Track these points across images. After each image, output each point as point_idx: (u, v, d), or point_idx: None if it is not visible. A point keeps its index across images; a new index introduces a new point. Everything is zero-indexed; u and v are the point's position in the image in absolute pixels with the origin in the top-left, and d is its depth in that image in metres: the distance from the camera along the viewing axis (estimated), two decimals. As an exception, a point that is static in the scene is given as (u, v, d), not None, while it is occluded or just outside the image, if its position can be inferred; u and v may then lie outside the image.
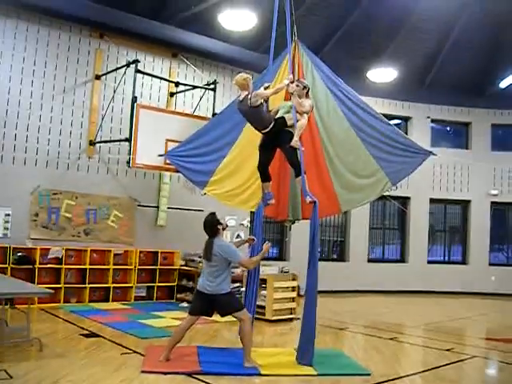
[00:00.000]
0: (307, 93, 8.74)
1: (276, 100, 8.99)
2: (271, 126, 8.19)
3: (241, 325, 7.63)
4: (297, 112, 8.40)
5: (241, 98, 8.16)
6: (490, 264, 19.96)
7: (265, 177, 8.61)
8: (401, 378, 7.59)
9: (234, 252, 7.67)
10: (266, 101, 8.22)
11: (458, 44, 17.24)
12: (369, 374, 7.57)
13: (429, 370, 8.18)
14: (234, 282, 12.30)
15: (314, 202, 8.20)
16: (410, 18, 16.35)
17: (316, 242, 8.17)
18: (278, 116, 8.50)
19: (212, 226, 7.70)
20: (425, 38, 17.27)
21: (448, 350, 9.67)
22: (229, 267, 7.67)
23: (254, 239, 8.48)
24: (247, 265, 8.00)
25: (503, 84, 18.94)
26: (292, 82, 8.44)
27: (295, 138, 8.22)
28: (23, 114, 12.60)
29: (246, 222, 15.93)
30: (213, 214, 7.81)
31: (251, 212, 13.34)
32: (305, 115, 8.56)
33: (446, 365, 8.51)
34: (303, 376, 7.39)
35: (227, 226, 8.03)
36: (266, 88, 8.36)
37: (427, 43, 17.56)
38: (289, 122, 8.35)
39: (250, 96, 7.99)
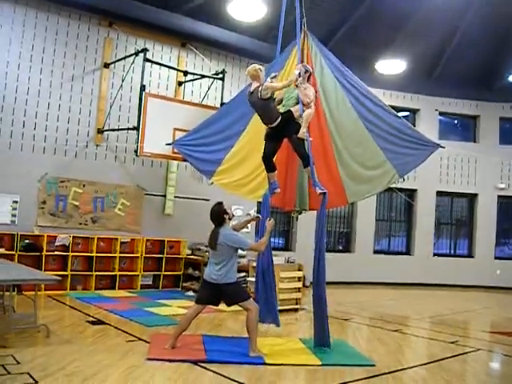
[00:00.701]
0: (309, 77, 8.74)
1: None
2: (278, 121, 8.18)
3: (247, 314, 7.66)
4: (302, 103, 8.40)
5: (251, 89, 8.17)
6: (496, 258, 19.93)
7: (270, 167, 8.59)
8: (404, 369, 7.62)
9: (242, 239, 7.73)
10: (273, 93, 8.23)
11: (467, 37, 17.16)
12: (373, 365, 7.60)
13: (433, 362, 8.20)
14: (239, 271, 12.37)
15: (324, 193, 8.19)
16: (418, 10, 16.25)
17: (323, 232, 8.18)
18: (283, 108, 8.50)
19: (218, 215, 7.71)
20: (433, 30, 17.18)
21: (452, 342, 9.70)
22: (235, 256, 7.69)
23: (259, 217, 8.51)
24: (257, 248, 8.00)
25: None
26: (299, 76, 8.42)
27: (302, 129, 8.23)
28: (32, 102, 12.62)
29: (253, 212, 15.89)
30: (219, 204, 7.81)
31: (258, 202, 13.35)
32: (311, 105, 8.57)
33: (451, 357, 8.53)
34: (307, 366, 7.43)
35: (234, 215, 8.02)
36: (272, 78, 8.36)
37: (436, 35, 17.47)
38: (295, 114, 8.35)
39: (260, 88, 7.99)
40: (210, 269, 7.67)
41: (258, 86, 8.02)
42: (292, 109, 8.39)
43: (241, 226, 8.30)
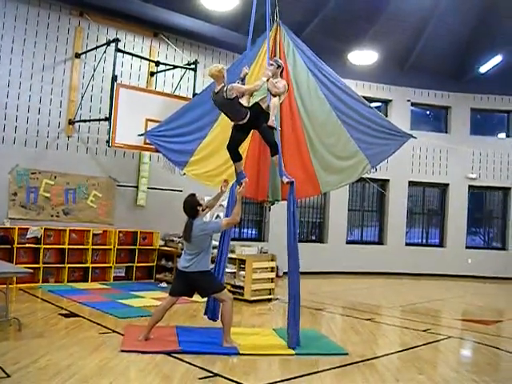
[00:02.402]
0: (281, 72, 8.73)
1: (251, 79, 8.98)
2: (247, 117, 8.12)
3: (222, 305, 7.66)
4: (270, 92, 8.39)
5: (216, 90, 7.98)
6: (467, 247, 20.17)
7: (235, 157, 8.51)
8: (378, 357, 7.71)
9: (213, 224, 7.87)
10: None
11: (439, 28, 17.29)
12: (346, 354, 7.67)
13: (405, 350, 8.31)
14: (213, 262, 12.39)
15: (292, 182, 8.16)
16: (391, 2, 16.34)
17: (295, 222, 8.13)
18: (253, 99, 8.47)
19: (192, 207, 7.68)
20: (406, 21, 17.27)
21: (424, 330, 9.81)
22: (209, 247, 7.71)
23: (226, 181, 8.53)
24: (231, 221, 7.90)
25: (483, 69, 19.01)
26: (268, 80, 8.38)
27: (271, 117, 8.19)
28: (1, 92, 12.44)
29: (225, 203, 15.90)
30: (193, 196, 7.78)
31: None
32: (281, 96, 8.55)
33: (423, 345, 8.65)
34: (281, 356, 7.48)
35: (207, 207, 8.01)
36: (244, 75, 8.33)
37: (408, 27, 17.56)
38: (263, 106, 8.32)
39: (225, 88, 7.82)
40: (184, 259, 7.67)
41: (223, 86, 7.85)
42: (259, 101, 8.35)
43: (213, 203, 8.30)
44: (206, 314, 8.74)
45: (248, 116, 8.07)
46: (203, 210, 7.83)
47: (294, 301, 8.01)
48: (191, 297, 8.03)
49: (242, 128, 8.37)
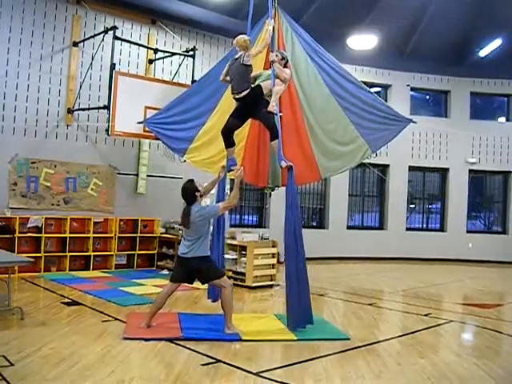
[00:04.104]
0: (285, 64, 8.72)
1: (255, 67, 8.96)
2: (247, 91, 8.16)
3: (222, 291, 7.68)
4: (277, 78, 8.37)
5: (237, 56, 8.24)
6: (468, 231, 20.22)
7: (229, 142, 8.58)
8: (379, 342, 7.74)
9: (210, 209, 7.78)
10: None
11: (438, 12, 17.19)
12: (348, 339, 7.70)
13: (407, 334, 8.32)
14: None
15: (291, 167, 8.13)
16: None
17: (296, 207, 8.10)
18: (254, 84, 8.47)
19: (190, 193, 7.70)
20: (405, 5, 17.18)
21: (426, 315, 9.83)
22: (207, 232, 7.74)
23: (224, 167, 8.64)
24: (229, 204, 7.92)
25: (482, 53, 18.95)
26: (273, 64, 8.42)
27: (272, 103, 8.19)
28: (-1, 82, 12.45)
29: (226, 190, 15.90)
30: (191, 181, 7.79)
31: (231, 179, 13.34)
32: (282, 83, 8.55)
33: (424, 329, 8.67)
34: (283, 341, 7.50)
35: (205, 192, 8.02)
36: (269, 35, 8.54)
37: (407, 11, 17.47)
38: (265, 91, 8.32)
39: (244, 54, 8.08)
40: (183, 245, 7.69)
41: (243, 55, 8.10)
42: (262, 84, 8.35)
43: (209, 188, 8.32)
44: (209, 297, 8.84)
45: (248, 91, 8.14)
46: (201, 196, 7.84)
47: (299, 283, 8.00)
48: (192, 283, 8.06)
49: (238, 114, 8.39)
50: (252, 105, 8.25)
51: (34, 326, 7.57)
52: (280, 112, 8.63)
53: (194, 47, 14.08)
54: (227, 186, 9.51)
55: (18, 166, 12.50)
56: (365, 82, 10.31)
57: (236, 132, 8.72)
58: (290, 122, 9.52)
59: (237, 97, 8.26)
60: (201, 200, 7.86)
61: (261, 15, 9.14)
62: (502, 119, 20.87)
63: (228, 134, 8.52)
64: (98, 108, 12.86)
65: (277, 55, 8.59)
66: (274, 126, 8.22)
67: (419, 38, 18.31)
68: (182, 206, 7.81)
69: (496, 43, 18.49)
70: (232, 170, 8.57)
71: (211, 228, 8.06)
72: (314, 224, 19.33)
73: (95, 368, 5.85)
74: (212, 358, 6.48)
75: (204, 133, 9.64)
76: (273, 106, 8.18)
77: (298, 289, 7.95)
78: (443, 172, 20.33)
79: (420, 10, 17.36)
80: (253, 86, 8.32)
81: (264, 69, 9.19)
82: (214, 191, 8.97)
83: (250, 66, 8.19)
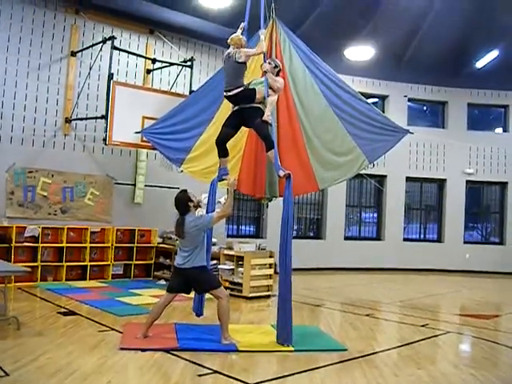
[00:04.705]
0: (278, 73, 8.73)
1: (251, 74, 9.00)
2: (238, 90, 8.19)
3: (218, 302, 7.66)
4: (270, 88, 8.39)
5: (230, 52, 8.34)
6: (465, 242, 20.21)
7: (222, 152, 8.60)
8: (376, 353, 7.71)
9: (204, 219, 7.73)
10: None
11: (436, 23, 17.23)
12: (345, 350, 7.67)
13: (404, 345, 8.30)
14: (211, 259, 12.37)
15: (289, 175, 7.99)
16: (387, -3, 16.35)
17: (290, 217, 8.01)
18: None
19: (183, 203, 7.70)
20: (402, 16, 17.20)
21: (423, 325, 9.81)
22: (203, 242, 7.70)
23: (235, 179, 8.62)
24: (223, 214, 7.92)
25: (479, 64, 19.03)
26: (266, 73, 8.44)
27: (267, 113, 8.19)
28: (-3, 91, 12.46)
29: (223, 200, 15.88)
30: (184, 192, 7.80)
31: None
32: (275, 93, 8.57)
33: (421, 340, 8.65)
34: (280, 352, 7.47)
35: (199, 203, 7.99)
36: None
37: (404, 22, 17.50)
38: (258, 95, 8.31)
39: (236, 51, 8.20)
40: (179, 256, 7.69)
41: (235, 52, 8.21)
42: (257, 88, 8.35)
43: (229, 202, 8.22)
44: (193, 310, 8.85)
45: (239, 90, 8.17)
46: (195, 207, 7.82)
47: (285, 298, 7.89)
48: (188, 293, 8.02)
49: (231, 124, 8.41)
50: (244, 112, 8.25)
51: (30, 335, 7.54)
52: (276, 123, 8.64)
53: (192, 57, 14.11)
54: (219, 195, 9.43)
55: (15, 175, 12.49)
56: (362, 93, 10.33)
57: (233, 143, 8.74)
58: (288, 132, 9.53)
59: (228, 94, 8.28)
60: (195, 210, 7.84)
61: (258, 26, 9.15)
62: (499, 130, 20.95)
63: (222, 144, 8.54)
64: (96, 118, 12.88)
65: (270, 63, 8.62)
66: (268, 136, 8.19)
67: (416, 49, 18.35)
68: (176, 217, 7.80)
69: (493, 54, 18.55)
70: (223, 180, 8.60)
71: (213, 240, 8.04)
72: (312, 234, 19.32)
73: (91, 378, 5.82)
74: (209, 368, 6.46)
75: (201, 143, 9.65)
76: (268, 116, 8.17)
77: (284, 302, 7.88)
78: (440, 183, 20.35)
79: (417, 21, 17.40)
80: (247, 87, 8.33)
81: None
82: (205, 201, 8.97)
83: (244, 63, 8.25)
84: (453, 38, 17.95)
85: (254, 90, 8.33)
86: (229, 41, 8.48)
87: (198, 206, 7.91)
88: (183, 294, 8.08)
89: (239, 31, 8.81)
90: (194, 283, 7.70)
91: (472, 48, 18.49)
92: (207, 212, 8.58)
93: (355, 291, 14.21)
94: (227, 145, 8.72)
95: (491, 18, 16.85)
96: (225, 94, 8.36)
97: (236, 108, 8.39)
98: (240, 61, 8.17)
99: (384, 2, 16.43)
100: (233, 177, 8.28)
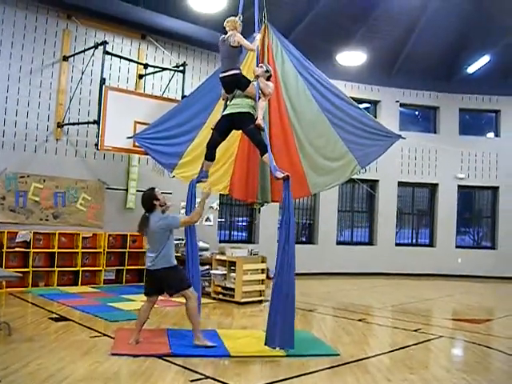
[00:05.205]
0: (269, 78, 8.72)
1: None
2: (232, 72, 8.22)
3: (187, 303, 7.62)
4: (261, 92, 8.38)
5: (225, 37, 8.33)
6: (457, 246, 20.23)
7: (210, 156, 8.58)
8: (369, 358, 7.71)
9: (170, 220, 7.66)
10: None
11: (427, 29, 17.33)
12: (337, 355, 7.67)
13: (396, 349, 8.31)
14: (203, 264, 12.40)
15: (287, 177, 7.80)
16: (379, 2, 16.38)
17: (292, 218, 7.90)
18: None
19: (148, 201, 7.66)
20: (394, 22, 17.32)
21: (415, 330, 9.82)
22: (170, 241, 7.63)
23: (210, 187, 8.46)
24: (190, 219, 7.89)
25: (471, 69, 19.14)
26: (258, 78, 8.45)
27: (260, 118, 8.17)
28: (-11, 96, 12.42)
29: (215, 205, 15.93)
30: (152, 189, 7.76)
31: (220, 194, 13.34)
32: (265, 97, 8.57)
33: (414, 345, 8.65)
34: (272, 357, 7.45)
35: (166, 204, 7.87)
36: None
37: (396, 28, 17.61)
38: (250, 89, 8.29)
39: (231, 35, 8.21)
40: (148, 257, 7.67)
41: (230, 36, 8.22)
42: (251, 85, 8.33)
43: (200, 211, 8.16)
44: None
45: (233, 72, 8.22)
46: (161, 206, 7.75)
47: (287, 300, 7.74)
48: (163, 293, 7.88)
49: (221, 128, 8.39)
50: (237, 119, 8.22)
51: (21, 341, 7.51)
52: (268, 128, 8.64)
53: (184, 62, 14.13)
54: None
55: (6, 181, 12.45)
56: (354, 98, 10.35)
57: (225, 148, 8.74)
58: (280, 137, 9.53)
59: (224, 74, 8.29)
60: (161, 209, 7.78)
61: (250, 30, 9.15)
62: (491, 135, 21.00)
63: (212, 148, 8.52)
64: (88, 123, 12.86)
65: (261, 66, 8.63)
66: (261, 141, 8.15)
67: (408, 55, 18.45)
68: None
69: (484, 60, 18.68)
70: (201, 182, 8.59)
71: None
72: (304, 239, 19.31)
73: (83, 384, 5.80)
74: (201, 374, 6.44)
75: (193, 148, 9.63)
76: (261, 120, 8.17)
77: (286, 304, 7.70)
78: (432, 187, 20.39)
79: (409, 26, 17.49)
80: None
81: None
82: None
83: (239, 47, 8.25)
84: (444, 43, 18.09)
85: (248, 80, 8.35)
86: (225, 23, 8.48)
87: (164, 205, 7.83)
88: (176, 299, 8.05)
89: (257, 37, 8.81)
90: (163, 284, 7.65)
91: (463, 53, 18.63)
92: (186, 212, 8.56)
93: (348, 296, 14.21)
94: (219, 148, 8.73)
95: (482, 23, 16.98)
96: (221, 75, 8.36)
97: (226, 112, 8.35)
98: (233, 45, 8.17)
99: (376, 7, 16.51)
100: (208, 186, 8.24)
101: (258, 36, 8.78)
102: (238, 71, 8.28)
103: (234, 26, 8.34)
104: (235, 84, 8.31)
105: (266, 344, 7.57)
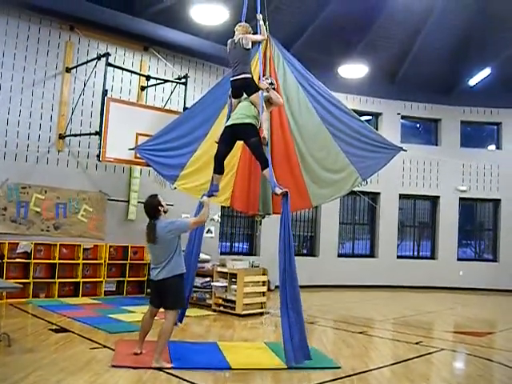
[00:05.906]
0: (273, 90, 8.75)
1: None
2: (243, 76, 8.26)
3: (165, 323, 7.41)
4: (269, 102, 8.42)
5: (235, 39, 8.48)
6: (459, 259, 20.20)
7: (219, 169, 8.51)
8: (370, 370, 7.67)
9: (179, 222, 7.64)
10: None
11: (429, 42, 17.39)
12: (338, 367, 7.63)
13: (398, 362, 8.27)
14: (204, 276, 12.39)
15: (286, 193, 7.93)
16: (380, 15, 16.43)
17: (290, 234, 7.95)
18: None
19: (153, 208, 7.59)
20: (395, 35, 17.38)
21: (417, 343, 9.78)
22: (178, 246, 7.51)
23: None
24: (199, 220, 7.89)
25: (472, 82, 19.17)
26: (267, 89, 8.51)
27: (265, 130, 8.19)
28: (-9, 107, 12.45)
29: (217, 217, 15.90)
30: (154, 196, 7.71)
31: (222, 206, 13.35)
32: (272, 107, 8.63)
33: (415, 358, 8.60)
34: (273, 370, 7.42)
35: (167, 210, 7.84)
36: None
37: (398, 40, 17.67)
38: (255, 97, 8.25)
39: (242, 37, 8.38)
40: (154, 268, 7.52)
41: (241, 38, 8.39)
42: (257, 94, 8.34)
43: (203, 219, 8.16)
44: None
45: (244, 75, 8.26)
46: (165, 212, 7.70)
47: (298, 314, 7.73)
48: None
49: (226, 140, 8.37)
50: (241, 131, 8.20)
51: (21, 352, 7.49)
52: (270, 140, 8.64)
53: (186, 74, 14.16)
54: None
55: (8, 191, 12.45)
56: (355, 111, 10.35)
57: (227, 160, 8.70)
58: (281, 149, 9.53)
59: (236, 77, 8.33)
60: (164, 216, 7.71)
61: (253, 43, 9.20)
62: (492, 147, 21.02)
63: (220, 160, 8.48)
64: (90, 134, 12.88)
65: (266, 78, 8.69)
66: (262, 154, 8.15)
67: (409, 67, 18.49)
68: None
69: (485, 72, 18.72)
70: (213, 196, 8.57)
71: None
72: (305, 252, 19.28)
73: (83, 396, 5.78)
74: (201, 386, 6.42)
75: (195, 160, 9.63)
76: (266, 131, 8.18)
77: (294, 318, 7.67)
78: (434, 200, 20.38)
79: (410, 39, 17.54)
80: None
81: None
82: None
83: (250, 49, 8.43)
84: (446, 56, 18.14)
85: (257, 87, 8.39)
86: (236, 27, 8.70)
87: (166, 211, 7.81)
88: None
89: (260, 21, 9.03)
90: (162, 296, 7.50)
91: (464, 66, 18.66)
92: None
93: (349, 308, 14.17)
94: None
95: (483, 36, 17.03)
96: (232, 78, 8.40)
97: (229, 123, 8.35)
98: (247, 47, 8.34)
99: (377, 20, 16.56)
100: (208, 198, 8.31)
101: (260, 22, 8.95)
102: (249, 75, 8.34)
103: (246, 30, 8.56)
104: (244, 88, 8.34)
105: (286, 363, 7.47)
